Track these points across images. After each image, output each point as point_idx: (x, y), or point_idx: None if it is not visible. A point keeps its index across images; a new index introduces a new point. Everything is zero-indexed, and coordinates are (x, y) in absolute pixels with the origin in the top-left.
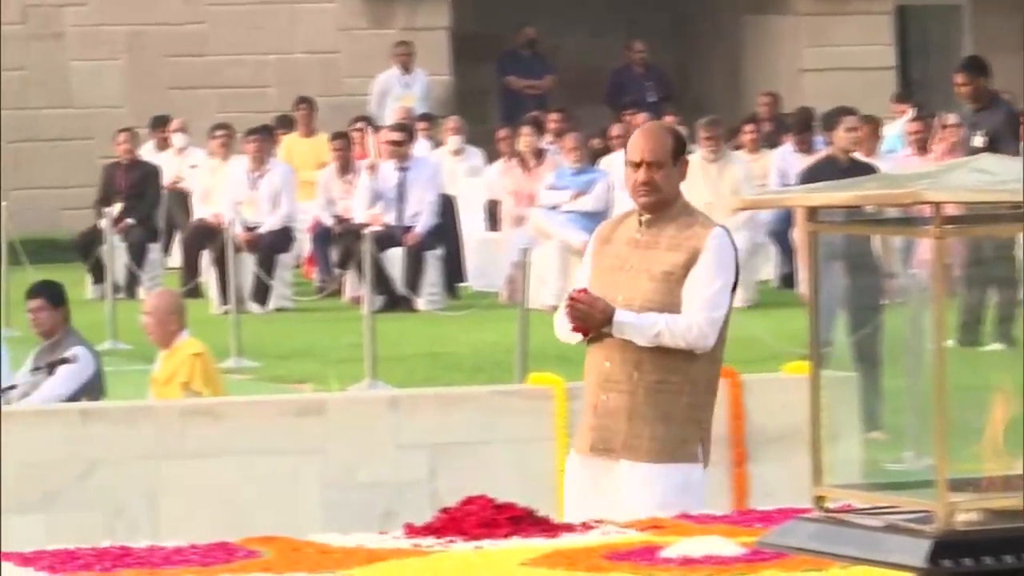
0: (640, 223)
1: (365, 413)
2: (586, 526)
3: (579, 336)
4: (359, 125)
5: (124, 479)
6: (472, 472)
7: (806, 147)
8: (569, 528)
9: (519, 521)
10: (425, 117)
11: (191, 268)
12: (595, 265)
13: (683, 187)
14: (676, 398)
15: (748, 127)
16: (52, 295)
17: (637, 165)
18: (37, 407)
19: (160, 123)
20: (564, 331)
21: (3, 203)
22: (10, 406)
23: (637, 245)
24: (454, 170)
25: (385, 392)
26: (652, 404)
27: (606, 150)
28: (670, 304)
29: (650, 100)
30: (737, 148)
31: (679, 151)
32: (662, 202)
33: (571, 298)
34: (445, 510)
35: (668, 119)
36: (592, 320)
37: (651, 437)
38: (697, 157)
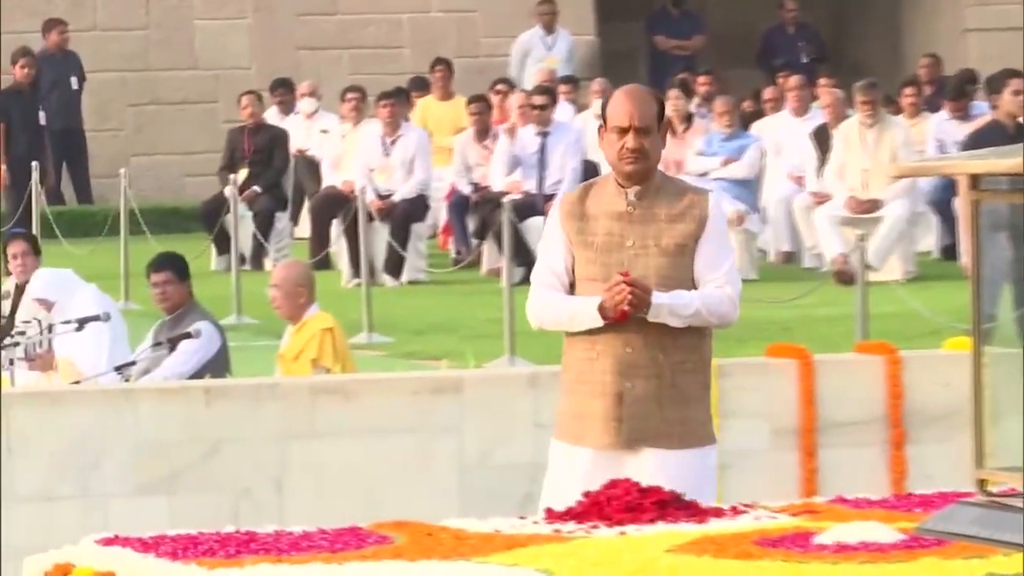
0: (626, 195)
1: (504, 391)
2: (735, 510)
3: (599, 323)
4: (498, 88)
5: (250, 460)
6: None
7: (962, 113)
8: (718, 513)
9: (665, 505)
10: (568, 80)
11: (320, 239)
12: (579, 244)
13: (838, 154)
14: (695, 378)
15: (908, 90)
16: (179, 268)
17: (624, 131)
18: (159, 385)
19: (281, 86)
20: (566, 317)
21: (123, 170)
22: (130, 383)
23: (632, 219)
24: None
25: (525, 369)
26: (678, 387)
27: (758, 114)
28: (684, 279)
29: (803, 62)
30: (897, 113)
31: (662, 116)
32: (649, 170)
33: (626, 283)
34: (587, 494)
35: (823, 82)
36: (643, 304)
37: (681, 421)
38: (854, 122)
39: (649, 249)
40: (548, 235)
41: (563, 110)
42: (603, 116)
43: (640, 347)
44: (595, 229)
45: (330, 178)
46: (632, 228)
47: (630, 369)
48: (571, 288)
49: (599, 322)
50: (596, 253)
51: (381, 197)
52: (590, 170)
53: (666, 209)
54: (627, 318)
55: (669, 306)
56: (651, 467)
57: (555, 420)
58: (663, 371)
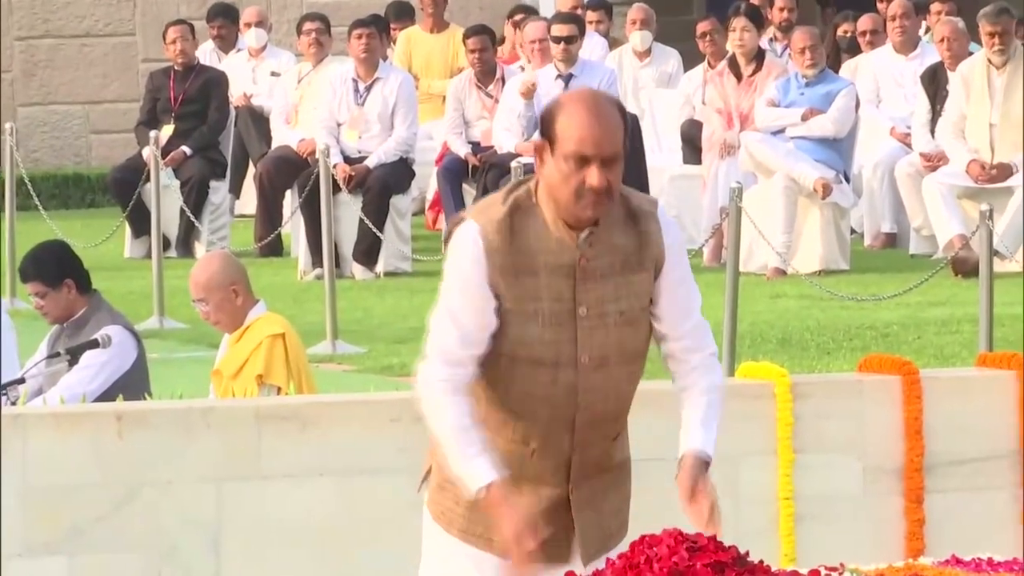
0: (577, 239)
1: None
2: (817, 575)
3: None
4: (510, 16)
5: (176, 508)
6: (656, 498)
7: None
8: None
9: (723, 568)
10: (599, 5)
11: (270, 216)
12: (519, 314)
13: (958, 103)
14: (627, 441)
15: None
16: (48, 272)
17: (585, 159)
18: (56, 409)
19: (221, 14)
20: (449, 459)
21: (9, 124)
22: (18, 407)
23: (584, 275)
24: (638, 78)
25: None
26: (623, 464)
27: (852, 50)
28: (644, 341)
29: None
30: None
31: (627, 131)
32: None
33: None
34: (622, 556)
35: (936, 7)
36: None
37: (622, 508)
38: (978, 61)
39: (608, 318)
40: (461, 282)
41: (592, 45)
42: (547, 133)
43: (592, 443)
44: (538, 291)
45: (283, 136)
46: (584, 288)
47: (579, 469)
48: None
49: (470, 493)
50: (543, 328)
51: (351, 161)
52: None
53: (621, 254)
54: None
55: (712, 445)
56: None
57: (434, 499)
58: (612, 459)
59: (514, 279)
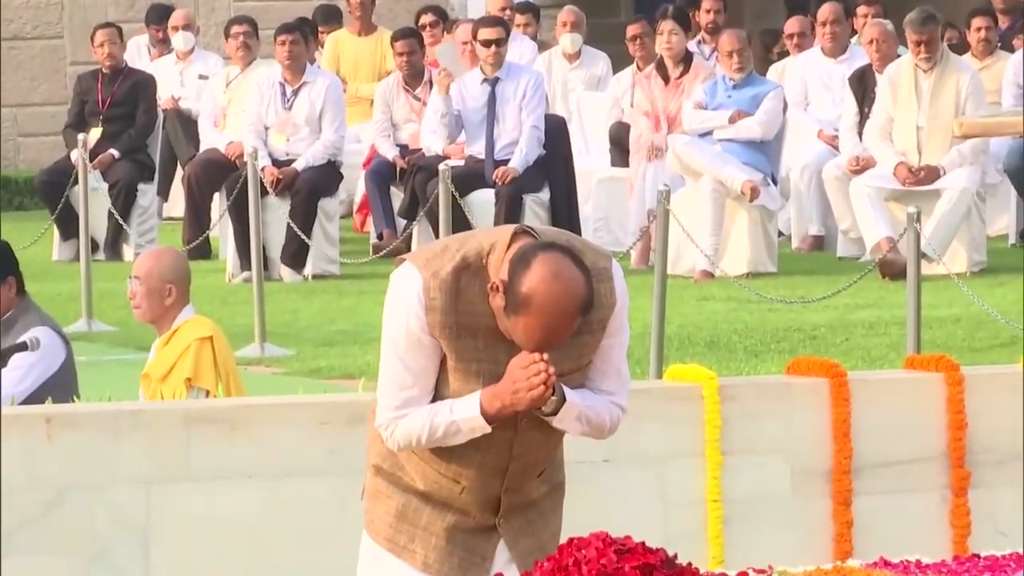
0: None
1: None
2: None
3: (486, 430)
4: (433, 19)
5: (105, 511)
6: (587, 501)
7: None
8: None
9: (652, 570)
10: (527, 8)
11: (198, 219)
12: (458, 372)
13: (885, 106)
14: (561, 486)
15: (977, 22)
16: None
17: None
18: None
19: (156, 17)
20: (440, 435)
21: None
22: None
23: None
24: (567, 81)
25: None
26: (555, 502)
27: (779, 54)
28: None
29: None
30: (963, 52)
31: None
32: None
33: (545, 360)
34: (551, 558)
35: (864, 10)
36: (551, 396)
37: (554, 538)
38: (905, 64)
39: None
40: (404, 329)
41: (521, 47)
42: (508, 294)
43: (523, 484)
44: (475, 352)
45: (211, 139)
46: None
47: (508, 507)
48: None
49: (486, 430)
50: (480, 387)
51: (278, 164)
52: (555, 127)
53: None
54: (531, 408)
55: (582, 408)
56: None
57: (367, 508)
58: (542, 489)
59: (455, 339)
